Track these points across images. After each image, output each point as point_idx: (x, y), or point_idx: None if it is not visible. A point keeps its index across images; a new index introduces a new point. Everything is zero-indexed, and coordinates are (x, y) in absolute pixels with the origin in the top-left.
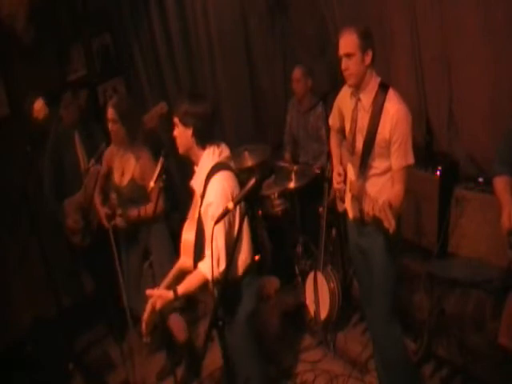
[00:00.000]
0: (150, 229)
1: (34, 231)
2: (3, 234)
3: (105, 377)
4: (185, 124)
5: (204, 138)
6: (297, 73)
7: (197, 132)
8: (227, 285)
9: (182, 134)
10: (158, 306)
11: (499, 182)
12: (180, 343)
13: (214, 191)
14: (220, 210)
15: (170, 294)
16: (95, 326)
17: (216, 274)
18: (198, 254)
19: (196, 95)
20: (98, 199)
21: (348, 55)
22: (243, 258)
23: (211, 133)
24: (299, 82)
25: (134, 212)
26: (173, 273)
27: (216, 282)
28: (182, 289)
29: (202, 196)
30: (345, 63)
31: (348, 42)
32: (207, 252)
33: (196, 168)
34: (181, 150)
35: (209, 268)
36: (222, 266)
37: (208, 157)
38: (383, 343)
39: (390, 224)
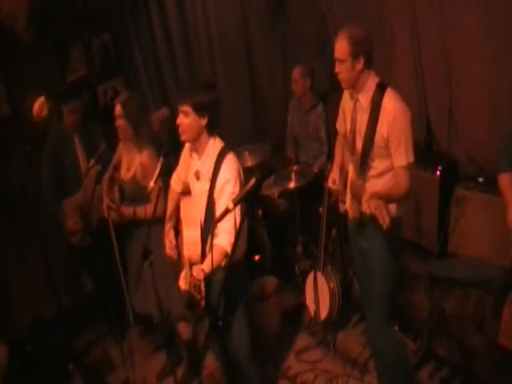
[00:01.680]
0: (151, 229)
1: (33, 231)
2: (3, 234)
3: (105, 377)
4: (200, 114)
5: (215, 128)
6: (295, 73)
7: (211, 122)
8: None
9: (195, 123)
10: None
11: (503, 179)
12: (184, 341)
13: (229, 169)
14: (237, 187)
15: (201, 274)
16: (95, 326)
17: (231, 245)
18: (205, 243)
19: (208, 84)
20: (105, 187)
21: (339, 60)
22: (242, 242)
23: (219, 122)
24: (298, 83)
25: (128, 210)
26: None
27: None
28: (207, 267)
29: (212, 179)
30: (337, 67)
31: (339, 47)
32: (225, 228)
33: (195, 155)
34: (188, 138)
35: (229, 242)
36: None
37: (214, 144)
38: (378, 346)
39: (384, 221)
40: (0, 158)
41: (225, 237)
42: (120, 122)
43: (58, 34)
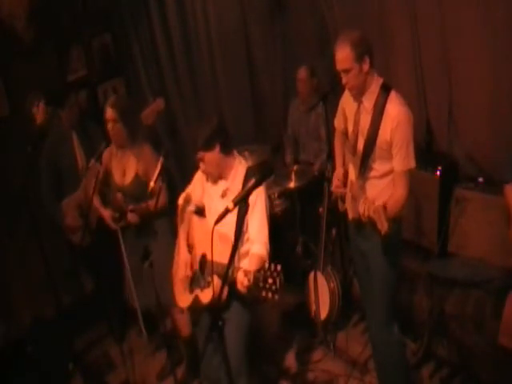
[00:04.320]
0: (151, 227)
1: (33, 231)
2: (3, 234)
3: (105, 377)
4: (210, 148)
5: (229, 146)
6: (302, 73)
7: (222, 145)
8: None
9: (212, 158)
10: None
11: (510, 191)
12: (183, 339)
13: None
14: (267, 201)
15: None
16: (95, 326)
17: (268, 254)
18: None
19: (201, 119)
20: (97, 202)
21: (345, 71)
22: None
23: (231, 137)
24: (305, 83)
25: (142, 205)
26: None
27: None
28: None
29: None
30: (344, 78)
31: (343, 57)
32: (260, 238)
33: (221, 180)
34: (215, 172)
35: (266, 250)
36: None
37: (240, 163)
38: (379, 345)
39: (382, 226)
40: (0, 158)
41: (261, 246)
42: (113, 126)
43: (58, 33)
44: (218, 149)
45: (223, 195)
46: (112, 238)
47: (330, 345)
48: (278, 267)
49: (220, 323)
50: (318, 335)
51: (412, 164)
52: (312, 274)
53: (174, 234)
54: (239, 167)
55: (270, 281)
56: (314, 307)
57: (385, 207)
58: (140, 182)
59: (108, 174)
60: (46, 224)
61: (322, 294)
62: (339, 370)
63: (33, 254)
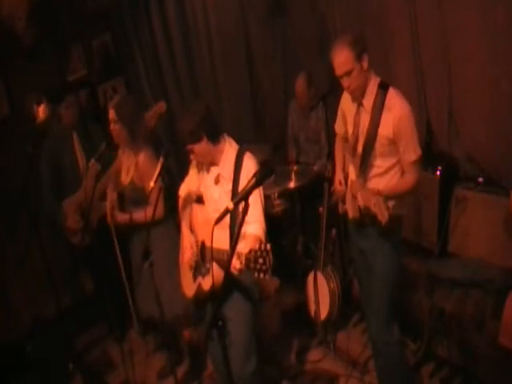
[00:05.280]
0: (150, 231)
1: (34, 231)
2: (3, 234)
3: (105, 377)
4: (197, 140)
5: (216, 134)
6: (300, 85)
7: (209, 135)
8: None
9: (201, 149)
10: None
11: None
12: (185, 341)
13: (253, 163)
14: None
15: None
16: (95, 326)
17: (264, 233)
18: (233, 238)
19: (185, 111)
20: (110, 196)
21: (347, 73)
22: None
23: (217, 125)
24: (303, 94)
25: (124, 216)
26: None
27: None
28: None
29: (234, 177)
30: (346, 81)
31: (343, 59)
32: (254, 217)
33: (212, 167)
34: (207, 161)
35: (262, 229)
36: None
37: (230, 146)
38: (379, 346)
39: (382, 216)
40: (0, 158)
41: (257, 225)
42: (114, 126)
43: (58, 33)
44: (205, 139)
45: (216, 182)
46: (112, 238)
47: (329, 345)
48: (268, 246)
49: (220, 323)
50: (318, 335)
51: (419, 152)
52: (312, 274)
53: (174, 239)
54: (229, 150)
55: (261, 261)
56: (313, 307)
57: (390, 191)
58: (135, 186)
59: (119, 173)
60: (46, 224)
61: (322, 294)
62: (339, 369)
63: (33, 254)
